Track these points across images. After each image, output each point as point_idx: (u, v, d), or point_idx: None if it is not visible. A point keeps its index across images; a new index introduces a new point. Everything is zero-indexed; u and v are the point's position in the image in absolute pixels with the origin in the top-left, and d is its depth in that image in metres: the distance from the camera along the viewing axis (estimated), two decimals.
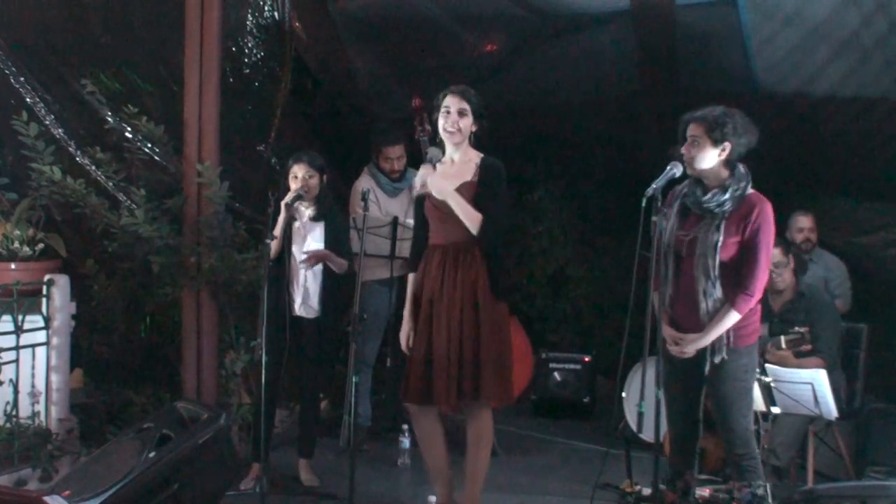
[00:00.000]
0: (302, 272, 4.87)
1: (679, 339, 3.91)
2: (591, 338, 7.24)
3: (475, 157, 4.23)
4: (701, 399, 4.03)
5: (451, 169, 4.23)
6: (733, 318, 3.81)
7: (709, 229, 3.84)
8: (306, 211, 4.88)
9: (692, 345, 3.88)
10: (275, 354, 4.64)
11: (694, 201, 3.90)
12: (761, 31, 5.40)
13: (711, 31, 5.57)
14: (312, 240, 4.88)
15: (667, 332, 3.95)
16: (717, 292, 3.83)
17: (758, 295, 3.83)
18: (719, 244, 3.80)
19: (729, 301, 3.81)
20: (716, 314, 3.83)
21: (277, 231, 4.73)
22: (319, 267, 4.89)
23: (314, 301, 4.90)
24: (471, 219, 4.11)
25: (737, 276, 3.82)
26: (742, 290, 3.80)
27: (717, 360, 3.85)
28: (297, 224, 4.85)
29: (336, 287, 4.95)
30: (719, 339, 3.84)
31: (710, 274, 3.82)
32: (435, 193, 4.13)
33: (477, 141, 4.26)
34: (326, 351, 5.02)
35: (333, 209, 4.97)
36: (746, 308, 3.82)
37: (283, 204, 4.71)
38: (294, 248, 4.85)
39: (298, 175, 4.80)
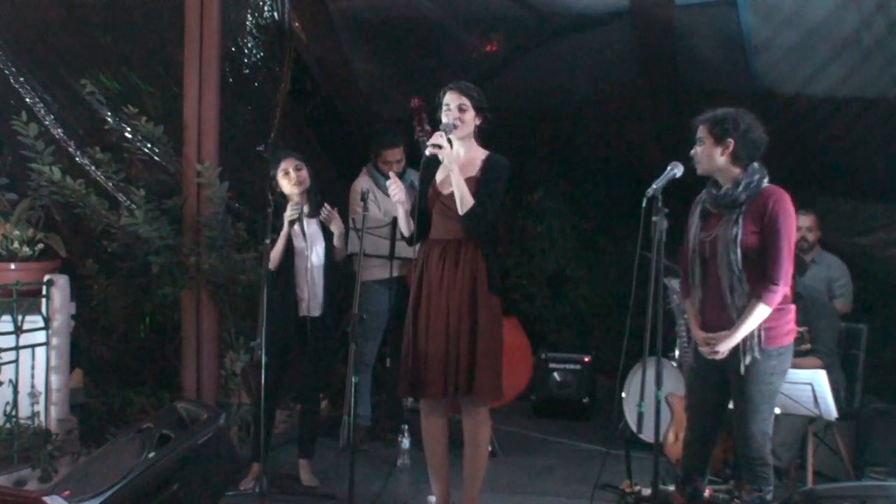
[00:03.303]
0: (310, 272, 4.86)
1: (711, 340, 3.89)
2: (591, 338, 7.25)
3: (481, 154, 4.24)
4: (726, 406, 4.00)
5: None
6: (762, 311, 3.78)
7: (727, 225, 3.86)
8: (304, 208, 4.89)
9: (724, 343, 3.84)
10: (276, 355, 4.65)
11: (710, 199, 3.94)
12: (761, 32, 5.40)
13: (711, 32, 5.57)
14: (318, 241, 4.89)
15: (698, 335, 3.95)
16: (744, 286, 3.82)
17: (783, 285, 3.79)
18: (739, 237, 3.81)
19: (755, 294, 3.79)
20: (743, 309, 3.82)
21: (280, 244, 4.74)
22: (322, 264, 4.89)
23: (320, 299, 4.91)
24: (463, 199, 4.11)
25: (761, 268, 3.80)
26: (767, 281, 3.78)
27: (748, 360, 3.82)
28: (296, 228, 4.84)
29: (336, 285, 4.97)
30: (750, 338, 3.81)
31: (735, 269, 3.82)
32: (444, 157, 4.11)
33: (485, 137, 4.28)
34: (330, 349, 5.04)
35: (323, 202, 4.96)
36: (773, 299, 3.78)
37: (286, 220, 4.71)
38: (302, 247, 4.84)
39: (290, 170, 4.81)
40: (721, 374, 3.94)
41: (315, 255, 4.90)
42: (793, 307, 3.96)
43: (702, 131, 3.91)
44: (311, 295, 4.89)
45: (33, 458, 4.82)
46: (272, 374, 4.58)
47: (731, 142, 3.84)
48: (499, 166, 4.20)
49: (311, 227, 4.90)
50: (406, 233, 4.36)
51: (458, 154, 4.25)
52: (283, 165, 4.83)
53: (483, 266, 4.17)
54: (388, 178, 5.64)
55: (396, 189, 4.26)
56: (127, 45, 5.92)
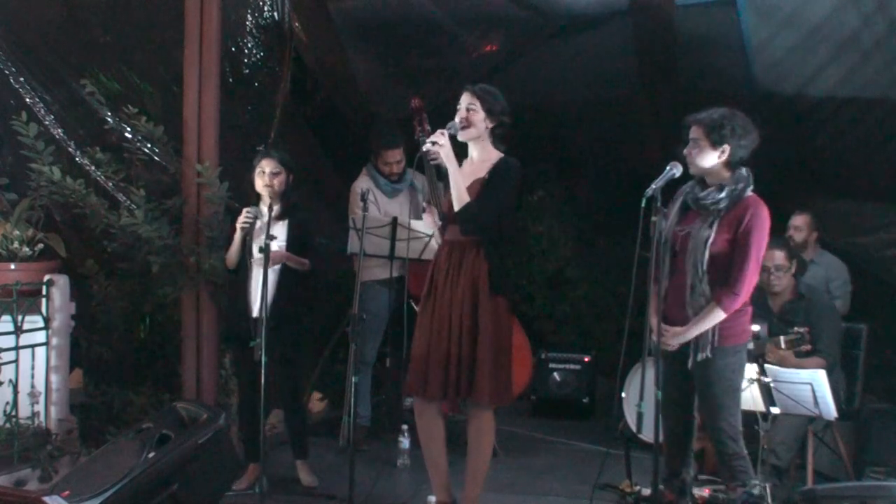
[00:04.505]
0: (260, 274, 4.81)
1: (665, 331, 3.91)
2: (591, 338, 7.24)
3: (495, 156, 4.22)
4: (694, 397, 4.05)
5: (468, 167, 4.25)
6: (718, 315, 3.83)
7: (702, 225, 3.87)
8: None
9: (675, 338, 3.89)
10: (240, 353, 4.68)
11: (693, 198, 3.95)
12: (760, 32, 5.40)
13: (711, 32, 5.57)
14: (274, 242, 4.83)
15: (653, 322, 3.94)
16: (705, 288, 3.85)
17: (744, 296, 3.84)
18: (710, 240, 3.83)
19: (715, 299, 3.83)
20: (700, 309, 3.85)
21: (235, 247, 4.75)
22: (278, 269, 4.82)
23: (270, 302, 4.81)
24: (459, 196, 4.11)
25: (726, 274, 3.84)
26: (729, 289, 3.81)
27: (700, 357, 3.86)
28: (258, 224, 4.79)
29: (297, 287, 4.90)
30: (704, 336, 3.85)
31: (699, 269, 3.84)
32: (443, 156, 4.10)
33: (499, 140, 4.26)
34: (289, 352, 4.91)
35: (297, 207, 4.94)
36: (732, 307, 3.82)
37: (238, 226, 4.70)
38: (254, 248, 4.76)
39: (266, 170, 4.81)
40: (685, 367, 3.97)
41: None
42: (749, 309, 3.98)
43: (697, 132, 3.88)
44: (260, 298, 4.77)
45: (33, 458, 4.81)
46: (253, 374, 4.53)
47: (727, 147, 3.85)
48: (505, 168, 4.18)
49: (276, 231, 4.78)
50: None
51: (471, 156, 4.26)
52: (262, 163, 4.83)
53: (485, 268, 4.17)
54: (387, 178, 5.70)
55: (431, 222, 4.31)
56: (127, 45, 5.92)
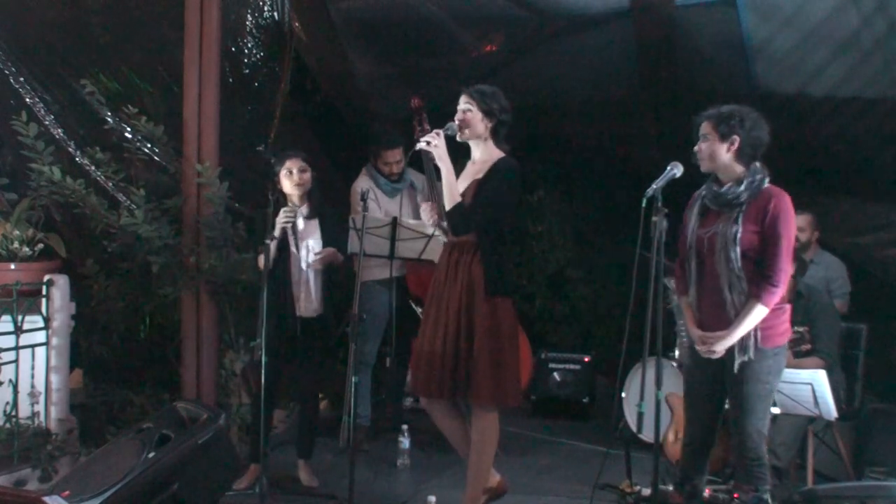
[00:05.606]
0: (304, 272, 4.87)
1: (709, 339, 3.89)
2: (590, 338, 7.24)
3: (495, 156, 4.21)
4: (723, 405, 4.02)
5: (470, 168, 4.25)
6: (760, 311, 3.79)
7: (727, 222, 3.86)
8: (301, 210, 4.88)
9: (721, 343, 3.85)
10: (272, 356, 4.65)
11: (711, 196, 3.93)
12: (761, 32, 5.40)
13: (711, 32, 5.57)
14: (311, 240, 4.88)
15: (694, 333, 3.95)
16: (743, 284, 3.82)
17: (782, 287, 3.81)
18: (738, 234, 3.81)
19: (754, 294, 3.80)
20: (742, 308, 3.82)
21: (272, 247, 4.73)
22: (320, 267, 4.90)
23: (316, 300, 4.90)
24: (451, 196, 4.11)
25: (759, 268, 3.81)
26: (766, 282, 3.78)
27: (745, 358, 3.82)
28: (289, 230, 4.83)
29: (334, 285, 4.96)
30: (747, 337, 3.82)
31: (734, 266, 3.82)
32: (436, 156, 4.09)
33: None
34: (327, 350, 5.02)
35: (324, 205, 4.97)
36: (772, 300, 3.79)
37: (279, 227, 4.69)
38: (293, 249, 4.84)
39: (294, 170, 4.81)
40: (718, 373, 3.95)
41: (310, 256, 4.88)
42: (788, 307, 3.97)
43: (706, 128, 3.90)
44: (305, 296, 4.88)
45: (33, 458, 4.82)
46: (270, 374, 4.58)
47: (736, 139, 3.85)
48: (501, 169, 4.16)
49: (309, 228, 4.89)
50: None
51: (473, 156, 4.26)
52: (288, 164, 4.84)
53: (480, 268, 4.16)
54: (387, 178, 5.70)
55: (430, 213, 4.30)
56: (127, 45, 5.92)
